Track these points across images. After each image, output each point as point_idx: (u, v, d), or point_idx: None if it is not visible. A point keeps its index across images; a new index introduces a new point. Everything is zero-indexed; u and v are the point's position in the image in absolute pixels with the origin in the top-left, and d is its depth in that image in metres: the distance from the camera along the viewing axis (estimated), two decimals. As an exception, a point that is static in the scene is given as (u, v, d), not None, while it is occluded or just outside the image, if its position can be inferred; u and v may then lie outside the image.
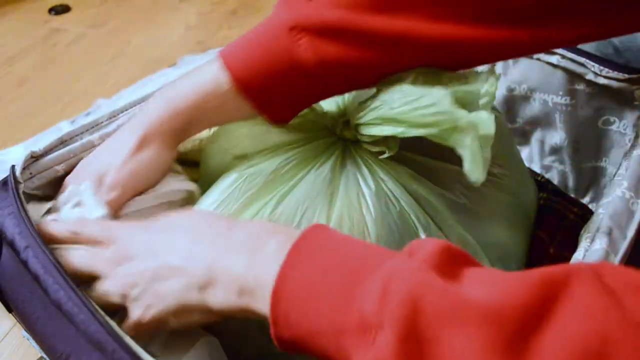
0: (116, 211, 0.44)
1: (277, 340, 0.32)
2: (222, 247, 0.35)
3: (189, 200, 0.48)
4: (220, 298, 0.34)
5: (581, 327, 0.23)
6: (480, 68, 0.42)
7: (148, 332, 0.36)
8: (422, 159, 0.45)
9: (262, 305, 0.31)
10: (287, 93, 0.43)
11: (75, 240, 0.39)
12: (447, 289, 0.26)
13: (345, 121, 0.45)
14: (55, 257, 0.37)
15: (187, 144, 0.53)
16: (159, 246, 0.37)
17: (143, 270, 0.36)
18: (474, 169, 0.36)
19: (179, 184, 0.47)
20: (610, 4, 0.39)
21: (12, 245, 0.39)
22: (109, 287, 0.37)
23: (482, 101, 0.39)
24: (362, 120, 0.42)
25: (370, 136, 0.42)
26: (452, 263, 0.28)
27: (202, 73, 0.44)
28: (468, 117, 0.36)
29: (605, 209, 0.40)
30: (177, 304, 0.35)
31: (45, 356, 0.38)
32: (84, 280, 0.38)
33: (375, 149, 0.43)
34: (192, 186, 0.48)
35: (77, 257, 0.38)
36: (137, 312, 0.36)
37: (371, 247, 0.32)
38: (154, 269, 0.36)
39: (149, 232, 0.38)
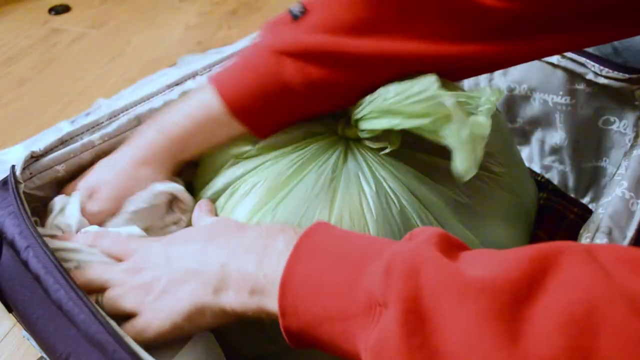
0: (99, 222, 0.45)
1: (286, 332, 0.32)
2: (234, 248, 0.36)
3: (175, 202, 0.48)
4: (233, 298, 0.34)
5: (569, 298, 0.24)
6: (484, 83, 0.42)
7: (164, 339, 0.36)
8: (425, 156, 0.45)
9: (273, 302, 0.32)
10: (276, 112, 0.45)
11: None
12: (447, 264, 0.27)
13: (346, 119, 0.45)
14: (56, 257, 0.37)
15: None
16: (173, 254, 0.37)
17: (159, 277, 0.36)
18: (462, 159, 0.36)
19: (162, 185, 0.47)
20: (586, 18, 0.41)
21: (12, 245, 0.39)
22: (122, 293, 0.37)
23: (482, 108, 0.39)
24: (359, 115, 0.42)
25: (370, 131, 0.42)
26: (449, 246, 0.29)
27: (193, 100, 0.46)
28: (454, 102, 0.37)
29: (604, 208, 0.40)
30: (192, 307, 0.35)
31: (45, 356, 0.38)
32: (94, 291, 0.38)
33: (377, 145, 0.43)
34: (176, 188, 0.48)
35: (92, 269, 0.39)
36: (152, 318, 0.36)
37: (373, 238, 0.33)
38: (169, 274, 0.36)
39: (165, 245, 0.39)
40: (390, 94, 0.40)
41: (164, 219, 0.48)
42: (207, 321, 0.35)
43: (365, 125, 0.42)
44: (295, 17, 0.43)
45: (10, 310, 0.40)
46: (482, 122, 0.37)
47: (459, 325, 0.25)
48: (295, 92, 0.43)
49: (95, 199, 0.45)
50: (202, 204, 0.46)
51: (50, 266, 0.36)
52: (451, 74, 0.45)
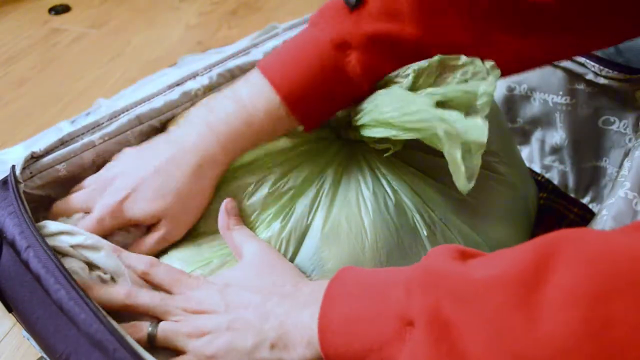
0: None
1: None
2: (291, 304, 0.36)
3: None
4: (293, 354, 0.34)
5: (577, 272, 0.24)
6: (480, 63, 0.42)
7: None
8: (426, 156, 0.45)
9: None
10: (332, 105, 0.44)
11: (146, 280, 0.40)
12: (459, 271, 0.29)
13: (348, 122, 0.46)
14: (57, 257, 0.37)
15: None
16: (232, 301, 0.37)
17: (219, 325, 0.36)
18: (457, 177, 0.36)
19: None
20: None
21: (12, 245, 0.39)
22: (180, 330, 0.36)
23: (479, 102, 0.39)
24: (359, 122, 0.42)
25: (370, 138, 0.43)
26: (460, 255, 0.31)
27: (246, 95, 0.43)
28: (450, 124, 0.36)
29: (608, 210, 0.40)
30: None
31: (45, 356, 0.38)
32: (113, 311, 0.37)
33: (381, 147, 0.43)
34: None
35: (145, 294, 0.38)
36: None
37: (396, 268, 0.34)
38: (230, 321, 0.36)
39: (223, 289, 0.38)
40: (386, 108, 0.40)
41: None
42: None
43: (365, 132, 0.42)
44: (352, 7, 0.42)
45: (10, 310, 0.40)
46: (479, 125, 0.37)
47: (480, 325, 0.26)
48: (355, 84, 0.43)
49: (136, 200, 0.43)
50: (229, 209, 0.43)
51: (51, 266, 0.36)
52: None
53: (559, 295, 0.24)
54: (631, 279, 0.23)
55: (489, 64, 0.40)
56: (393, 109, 0.39)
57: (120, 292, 0.38)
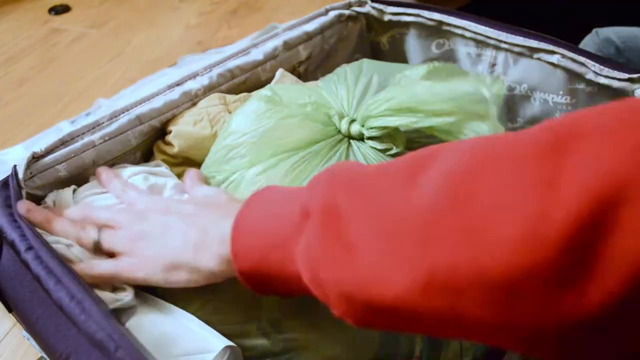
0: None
1: (241, 275, 0.35)
2: (218, 214, 0.39)
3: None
4: (208, 254, 0.37)
5: (459, 157, 0.27)
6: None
7: (127, 283, 0.40)
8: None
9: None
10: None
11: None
12: (358, 169, 0.32)
13: (352, 120, 0.45)
14: (58, 257, 0.37)
15: (189, 142, 0.53)
16: (171, 207, 0.42)
17: (155, 225, 0.40)
18: None
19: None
20: None
21: (12, 245, 0.38)
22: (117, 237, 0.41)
23: (491, 110, 0.39)
24: (372, 113, 0.42)
25: (379, 128, 0.42)
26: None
27: None
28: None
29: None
30: (172, 259, 0.38)
31: (45, 356, 0.38)
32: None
33: (382, 146, 0.43)
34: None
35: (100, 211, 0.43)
36: (138, 263, 0.39)
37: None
38: (163, 224, 0.40)
39: (169, 203, 0.42)
40: (409, 92, 0.40)
41: None
42: (182, 278, 0.38)
43: (375, 123, 0.42)
44: None
45: (10, 310, 0.40)
46: (485, 130, 0.38)
47: (365, 209, 0.29)
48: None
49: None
50: (192, 173, 0.47)
51: (51, 266, 0.36)
52: None
53: (436, 174, 0.27)
54: (496, 155, 0.25)
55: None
56: (421, 91, 0.39)
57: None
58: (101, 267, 0.40)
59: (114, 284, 0.41)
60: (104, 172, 0.48)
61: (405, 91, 0.40)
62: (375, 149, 0.44)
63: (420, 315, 0.27)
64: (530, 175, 0.24)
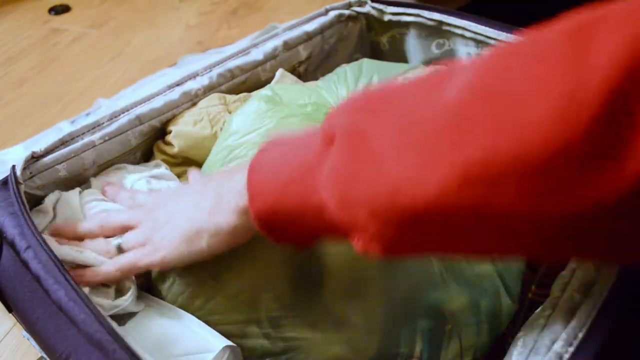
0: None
1: (258, 221, 0.34)
2: (225, 177, 0.39)
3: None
4: (226, 208, 0.37)
5: (483, 66, 0.26)
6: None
7: (147, 270, 0.41)
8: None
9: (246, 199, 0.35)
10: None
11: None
12: (380, 90, 0.30)
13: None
14: (57, 257, 0.37)
15: (189, 142, 0.53)
16: (180, 195, 0.43)
17: (168, 209, 0.41)
18: None
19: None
20: None
21: (12, 245, 0.38)
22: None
23: None
24: None
25: None
26: None
27: None
28: None
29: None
30: (189, 229, 0.38)
31: (45, 356, 0.38)
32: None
33: None
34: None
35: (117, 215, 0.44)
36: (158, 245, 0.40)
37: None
38: (175, 205, 0.41)
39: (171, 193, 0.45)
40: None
41: None
42: (202, 245, 0.38)
43: None
44: None
45: (10, 310, 0.40)
46: None
47: (391, 121, 0.28)
48: None
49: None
50: (195, 172, 0.49)
51: (51, 266, 0.36)
52: None
53: (464, 75, 0.26)
54: (524, 47, 0.25)
55: None
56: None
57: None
58: (120, 260, 0.41)
59: (126, 280, 0.42)
60: (108, 188, 0.48)
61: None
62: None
63: (453, 220, 0.26)
64: (561, 56, 0.23)
